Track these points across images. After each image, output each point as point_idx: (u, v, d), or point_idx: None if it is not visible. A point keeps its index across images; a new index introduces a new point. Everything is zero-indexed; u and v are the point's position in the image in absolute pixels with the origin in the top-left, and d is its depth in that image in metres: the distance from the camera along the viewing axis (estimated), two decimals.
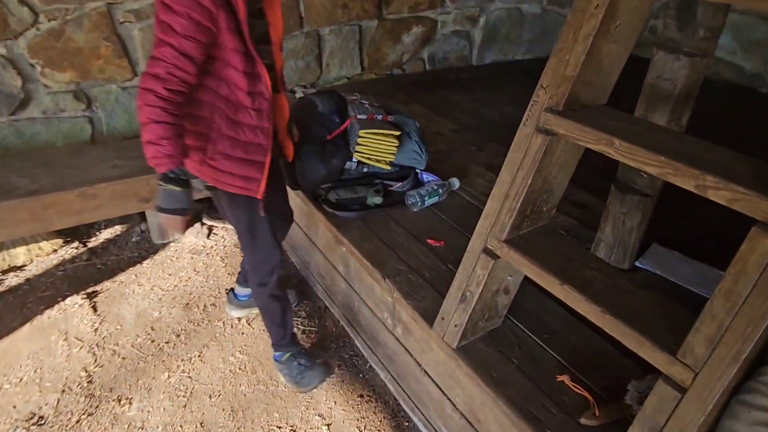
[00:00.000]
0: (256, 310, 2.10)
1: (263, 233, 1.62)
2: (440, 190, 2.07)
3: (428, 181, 2.17)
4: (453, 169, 2.42)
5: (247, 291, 2.08)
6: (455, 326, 1.44)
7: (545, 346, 1.47)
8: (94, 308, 2.15)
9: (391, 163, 2.05)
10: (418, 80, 3.60)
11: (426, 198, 2.03)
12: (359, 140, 1.87)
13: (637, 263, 1.81)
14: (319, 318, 2.20)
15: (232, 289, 2.12)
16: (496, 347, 1.47)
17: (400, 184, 2.10)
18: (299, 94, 3.27)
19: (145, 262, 2.45)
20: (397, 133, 1.88)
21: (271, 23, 1.47)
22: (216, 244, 2.58)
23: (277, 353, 1.86)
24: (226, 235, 2.64)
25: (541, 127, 1.26)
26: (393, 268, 1.74)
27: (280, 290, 1.75)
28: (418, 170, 2.18)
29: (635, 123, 1.24)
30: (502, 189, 1.33)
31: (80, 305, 2.15)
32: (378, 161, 1.93)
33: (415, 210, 2.04)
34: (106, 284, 2.30)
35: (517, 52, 4.18)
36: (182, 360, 1.94)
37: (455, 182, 2.18)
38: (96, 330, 2.05)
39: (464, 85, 3.60)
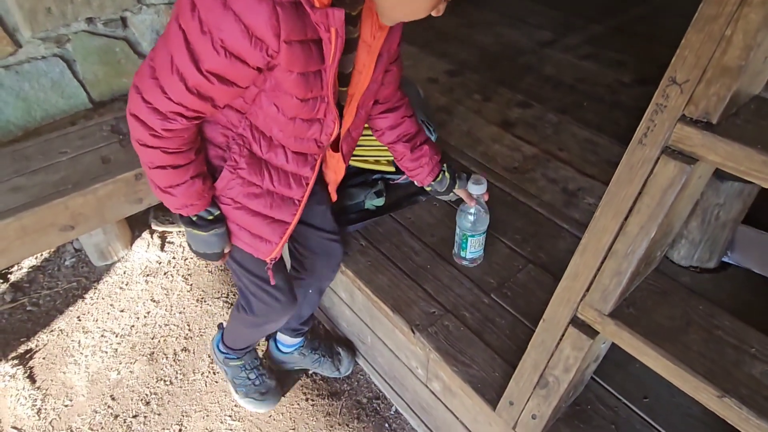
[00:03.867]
0: (301, 365, 1.63)
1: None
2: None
3: None
4: (460, 135, 1.92)
5: (293, 341, 1.58)
6: (533, 417, 1.04)
7: (649, 420, 1.10)
8: (32, 378, 1.67)
9: None
10: None
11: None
12: None
13: (725, 258, 1.43)
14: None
15: (273, 338, 1.62)
16: (585, 431, 1.09)
17: (403, 176, 1.60)
18: None
19: (88, 296, 1.93)
20: None
21: (357, 69, 0.98)
22: (174, 258, 2.07)
23: (224, 351, 1.51)
24: (184, 242, 2.12)
25: (674, 148, 0.77)
26: (421, 312, 1.30)
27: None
28: None
29: None
30: (603, 241, 0.87)
31: (12, 376, 1.67)
32: (377, 161, 1.40)
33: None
34: (43, 337, 1.80)
35: None
36: None
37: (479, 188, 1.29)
38: (39, 411, 1.58)
39: None
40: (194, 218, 0.99)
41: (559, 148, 1.87)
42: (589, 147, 1.88)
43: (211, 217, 1.01)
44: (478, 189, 1.26)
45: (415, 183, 1.30)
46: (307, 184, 1.06)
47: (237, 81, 0.83)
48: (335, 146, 1.09)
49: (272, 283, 1.16)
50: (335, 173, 1.17)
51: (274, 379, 1.57)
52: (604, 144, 1.89)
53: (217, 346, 1.52)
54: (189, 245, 1.08)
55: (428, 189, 1.30)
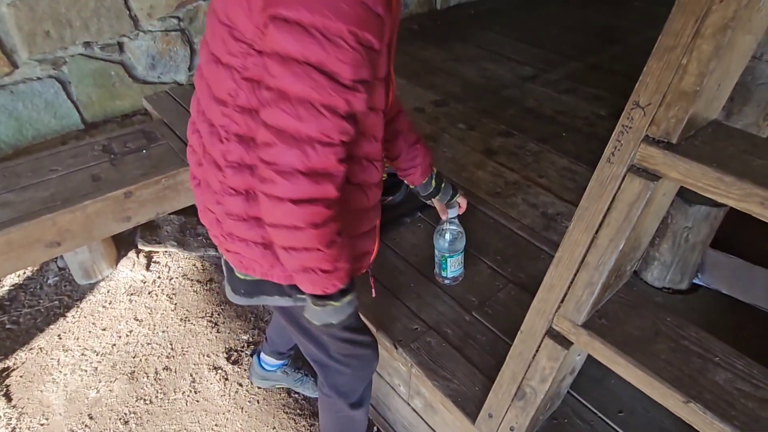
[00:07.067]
0: (283, 383, 1.64)
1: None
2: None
3: None
4: (445, 161, 1.98)
5: (275, 362, 1.58)
6: (511, 429, 1.06)
7: None
8: (8, 396, 1.64)
9: None
10: None
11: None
12: None
13: (696, 280, 1.49)
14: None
15: (258, 354, 1.60)
16: None
17: (392, 197, 1.65)
18: None
19: (70, 314, 1.92)
20: None
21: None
22: (159, 277, 2.07)
23: None
24: (170, 262, 2.13)
25: (639, 166, 0.83)
26: (404, 328, 1.33)
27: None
28: None
29: None
30: (576, 253, 0.92)
31: None
32: None
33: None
34: (21, 355, 1.77)
35: None
36: None
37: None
38: (14, 430, 1.55)
39: (432, 36, 3.07)
40: (344, 286, 0.88)
41: (540, 175, 1.94)
42: (568, 174, 1.96)
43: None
44: (452, 212, 1.30)
45: (408, 184, 1.25)
46: (381, 185, 0.97)
47: (369, 75, 0.73)
48: None
49: (374, 295, 1.18)
50: None
51: None
52: (581, 172, 1.97)
53: None
54: (330, 324, 0.92)
55: (412, 188, 1.25)
